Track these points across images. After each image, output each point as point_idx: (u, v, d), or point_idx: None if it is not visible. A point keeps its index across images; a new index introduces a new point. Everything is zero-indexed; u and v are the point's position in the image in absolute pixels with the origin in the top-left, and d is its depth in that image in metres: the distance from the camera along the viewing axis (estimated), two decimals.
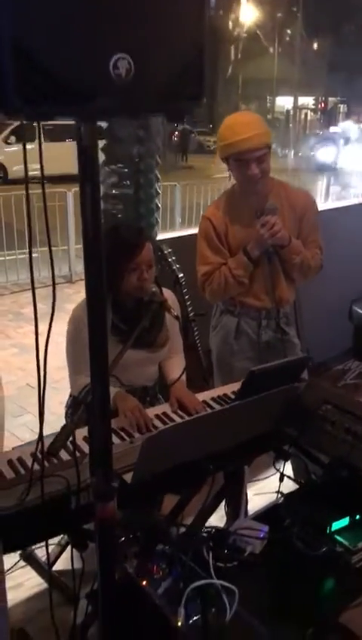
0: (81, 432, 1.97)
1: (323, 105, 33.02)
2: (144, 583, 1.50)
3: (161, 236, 3.40)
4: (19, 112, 0.95)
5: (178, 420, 2.20)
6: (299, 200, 2.68)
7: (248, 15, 23.63)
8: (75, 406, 1.52)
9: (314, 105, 33.16)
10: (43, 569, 2.61)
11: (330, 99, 33.79)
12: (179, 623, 1.38)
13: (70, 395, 2.47)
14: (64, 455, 1.98)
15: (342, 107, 34.94)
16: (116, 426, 2.10)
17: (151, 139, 3.34)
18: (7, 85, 0.91)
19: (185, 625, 1.38)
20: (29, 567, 2.65)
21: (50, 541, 1.71)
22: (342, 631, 2.38)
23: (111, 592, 1.45)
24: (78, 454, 1.79)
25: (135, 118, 1.10)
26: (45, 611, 2.49)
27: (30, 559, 2.65)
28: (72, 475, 1.73)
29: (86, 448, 1.93)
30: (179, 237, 3.57)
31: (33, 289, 1.22)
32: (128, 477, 1.75)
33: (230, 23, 22.30)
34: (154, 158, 3.41)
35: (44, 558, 2.66)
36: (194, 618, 1.40)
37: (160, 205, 3.37)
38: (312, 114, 33.59)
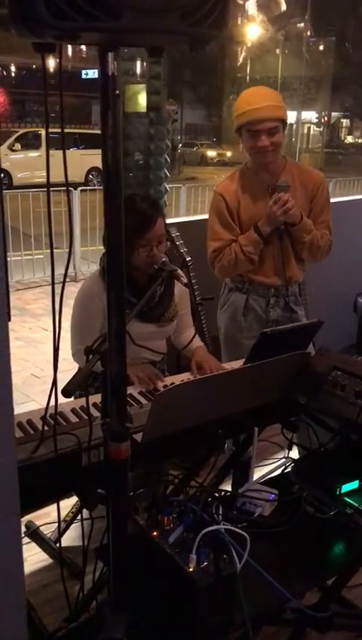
0: (92, 399, 1.97)
1: (325, 119, 33.22)
2: (155, 533, 1.49)
3: (169, 220, 3.42)
4: (48, 27, 0.96)
5: None
6: (311, 179, 2.68)
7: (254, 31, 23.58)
8: (87, 354, 1.51)
9: (316, 119, 33.35)
10: (47, 544, 2.60)
11: (334, 113, 34.02)
12: (191, 569, 1.38)
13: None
14: (73, 417, 1.99)
15: (345, 122, 35.14)
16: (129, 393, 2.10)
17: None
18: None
19: (197, 570, 1.38)
20: (33, 544, 2.64)
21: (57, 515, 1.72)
22: (350, 606, 2.36)
23: (122, 541, 1.45)
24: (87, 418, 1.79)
25: (158, 43, 1.11)
26: (48, 586, 2.50)
27: (35, 536, 2.65)
28: (82, 434, 1.73)
29: (96, 414, 1.93)
30: (187, 221, 3.59)
31: (53, 284, 1.30)
32: (138, 438, 1.75)
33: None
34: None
35: (48, 535, 2.67)
36: (205, 563, 1.39)
37: (168, 188, 3.39)
38: (315, 128, 33.75)
